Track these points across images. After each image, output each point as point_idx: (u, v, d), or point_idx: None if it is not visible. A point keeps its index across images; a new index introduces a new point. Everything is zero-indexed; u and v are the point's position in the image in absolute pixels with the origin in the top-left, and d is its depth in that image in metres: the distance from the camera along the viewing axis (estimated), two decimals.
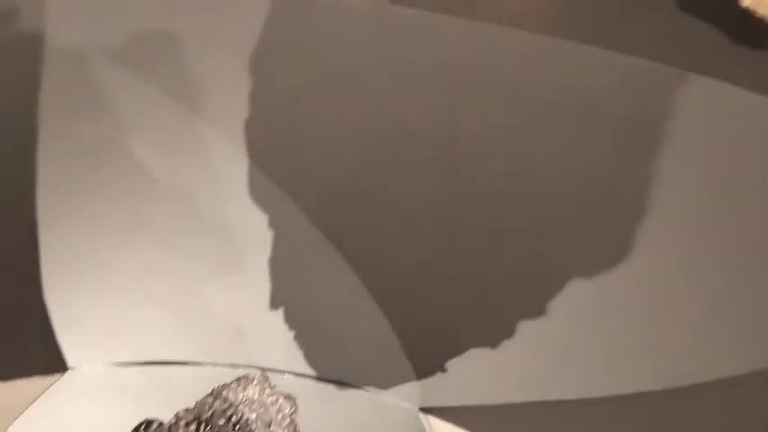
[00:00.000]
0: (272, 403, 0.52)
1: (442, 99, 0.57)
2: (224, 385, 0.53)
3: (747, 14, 0.47)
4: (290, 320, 0.67)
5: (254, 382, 0.53)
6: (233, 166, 0.63)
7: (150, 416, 0.49)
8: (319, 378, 0.67)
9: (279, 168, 0.61)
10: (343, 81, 0.60)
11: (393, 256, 0.64)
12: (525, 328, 0.59)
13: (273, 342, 0.66)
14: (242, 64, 0.59)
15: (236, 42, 0.58)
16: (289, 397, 0.54)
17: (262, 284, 0.65)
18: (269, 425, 0.51)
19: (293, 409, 0.54)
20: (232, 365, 0.66)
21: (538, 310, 0.58)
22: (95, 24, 0.57)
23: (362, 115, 0.59)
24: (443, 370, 0.64)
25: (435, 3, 0.54)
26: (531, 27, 0.51)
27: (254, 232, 0.64)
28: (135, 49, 0.58)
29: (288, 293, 0.66)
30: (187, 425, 0.47)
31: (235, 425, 0.49)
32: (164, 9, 0.56)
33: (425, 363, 0.64)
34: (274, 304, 0.66)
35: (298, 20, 0.58)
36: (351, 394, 0.66)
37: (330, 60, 0.59)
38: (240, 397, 0.51)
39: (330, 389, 0.66)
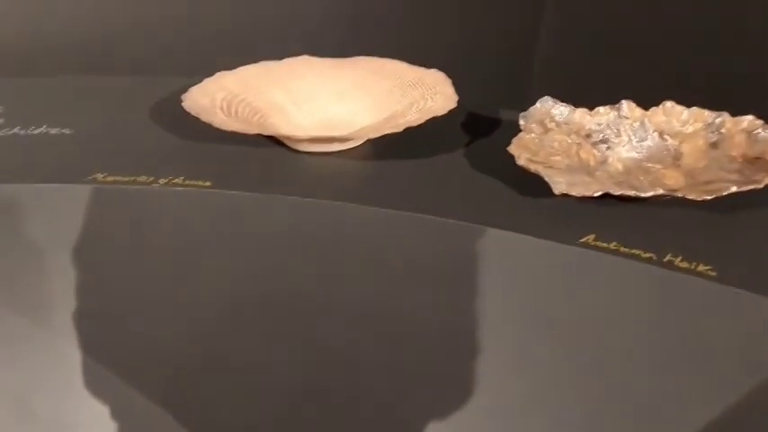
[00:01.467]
0: None
1: (284, 268, 0.60)
2: None
3: (524, 171, 0.56)
4: None
5: None
6: (68, 359, 0.61)
7: None
8: None
9: (117, 357, 0.60)
10: (178, 258, 0.61)
11: (247, 423, 0.64)
12: None
13: None
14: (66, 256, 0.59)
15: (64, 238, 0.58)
16: None
17: None
18: None
19: None
20: None
21: None
22: None
23: (201, 291, 0.61)
24: None
25: (261, 183, 0.59)
26: (354, 200, 0.56)
27: (95, 426, 0.61)
28: None
29: None
30: None
31: None
32: None
33: None
34: None
35: (123, 206, 0.60)
36: None
37: (163, 241, 0.61)
38: None
39: None
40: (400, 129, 0.61)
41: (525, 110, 0.62)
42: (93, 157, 0.62)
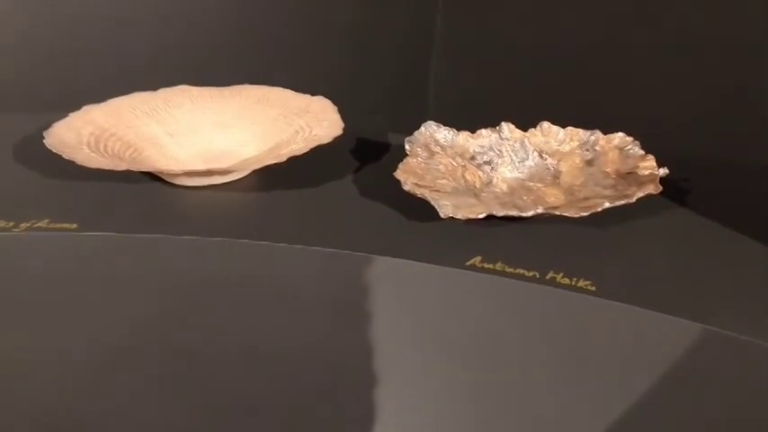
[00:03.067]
0: None
1: (165, 312, 0.56)
2: None
3: (411, 195, 0.56)
4: None
5: None
6: None
7: None
8: None
9: None
10: (45, 309, 0.56)
11: None
12: None
13: None
14: None
15: None
16: None
17: None
18: None
19: None
20: None
21: None
22: None
23: (73, 342, 0.56)
24: None
25: (135, 223, 0.55)
26: (237, 236, 0.54)
27: None
28: None
29: None
30: None
31: None
32: None
33: None
34: None
35: None
36: None
37: (29, 290, 0.56)
38: None
39: None
40: (284, 159, 0.59)
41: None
42: None
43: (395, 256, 0.52)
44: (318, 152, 0.61)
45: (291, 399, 0.59)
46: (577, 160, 0.62)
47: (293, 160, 0.60)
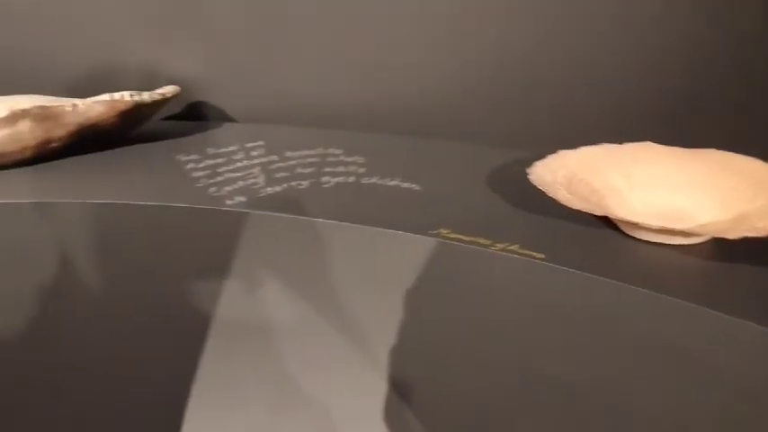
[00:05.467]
0: None
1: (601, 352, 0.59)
2: None
3: None
4: None
5: None
6: None
7: None
8: None
9: None
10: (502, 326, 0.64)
11: None
12: None
13: None
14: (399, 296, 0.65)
15: (401, 281, 0.65)
16: None
17: None
18: None
19: None
20: None
21: None
22: None
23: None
24: None
25: (592, 264, 0.59)
26: (693, 299, 0.53)
27: None
28: None
29: None
30: None
31: None
32: None
33: None
34: None
35: (457, 262, 0.64)
36: None
37: (484, 303, 0.65)
38: None
39: None
40: (761, 234, 0.56)
41: None
42: (438, 213, 0.69)
43: None
44: None
45: None
46: None
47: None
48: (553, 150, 0.73)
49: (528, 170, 0.68)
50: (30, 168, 0.78)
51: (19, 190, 0.72)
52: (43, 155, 0.79)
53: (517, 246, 0.62)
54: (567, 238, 0.64)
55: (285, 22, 0.97)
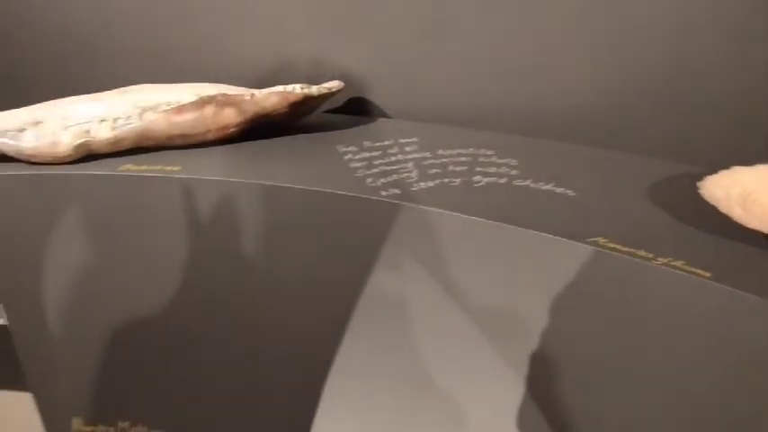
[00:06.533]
0: None
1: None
2: None
3: None
4: None
5: None
6: None
7: None
8: None
9: None
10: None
11: None
12: None
13: None
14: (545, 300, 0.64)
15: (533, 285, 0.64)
16: None
17: None
18: None
19: None
20: None
21: None
22: None
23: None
24: None
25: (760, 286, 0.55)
26: None
27: None
28: None
29: None
30: None
31: None
32: None
33: None
34: None
35: (613, 273, 0.63)
36: None
37: (645, 315, 0.62)
38: None
39: None
40: None
41: None
42: (593, 221, 0.68)
43: None
44: None
45: None
46: None
47: None
48: (713, 166, 0.69)
49: (698, 184, 0.65)
50: (210, 149, 0.86)
51: (205, 167, 0.79)
52: (222, 138, 0.86)
53: (682, 262, 0.59)
54: (738, 257, 0.60)
55: (447, 23, 0.98)
